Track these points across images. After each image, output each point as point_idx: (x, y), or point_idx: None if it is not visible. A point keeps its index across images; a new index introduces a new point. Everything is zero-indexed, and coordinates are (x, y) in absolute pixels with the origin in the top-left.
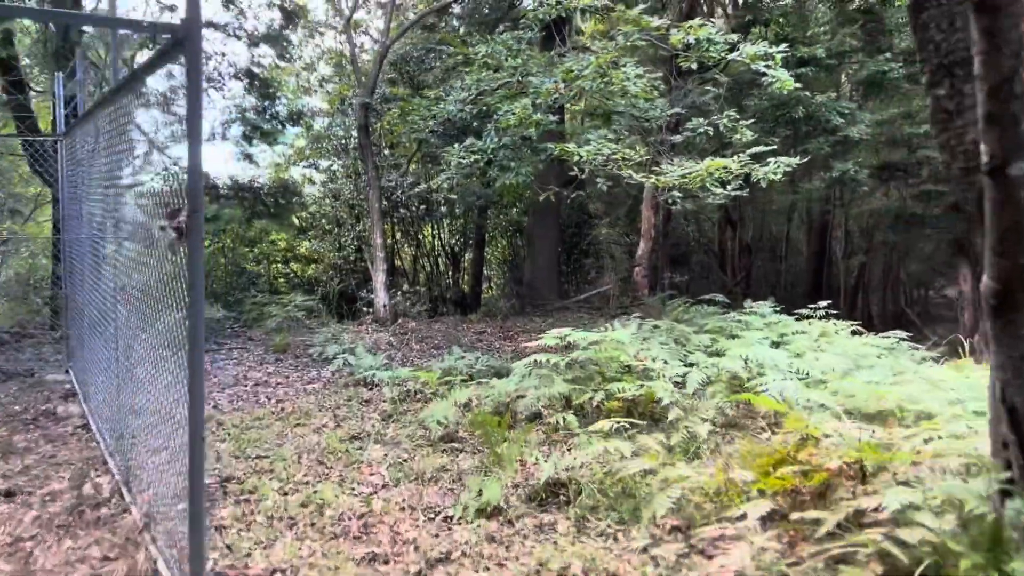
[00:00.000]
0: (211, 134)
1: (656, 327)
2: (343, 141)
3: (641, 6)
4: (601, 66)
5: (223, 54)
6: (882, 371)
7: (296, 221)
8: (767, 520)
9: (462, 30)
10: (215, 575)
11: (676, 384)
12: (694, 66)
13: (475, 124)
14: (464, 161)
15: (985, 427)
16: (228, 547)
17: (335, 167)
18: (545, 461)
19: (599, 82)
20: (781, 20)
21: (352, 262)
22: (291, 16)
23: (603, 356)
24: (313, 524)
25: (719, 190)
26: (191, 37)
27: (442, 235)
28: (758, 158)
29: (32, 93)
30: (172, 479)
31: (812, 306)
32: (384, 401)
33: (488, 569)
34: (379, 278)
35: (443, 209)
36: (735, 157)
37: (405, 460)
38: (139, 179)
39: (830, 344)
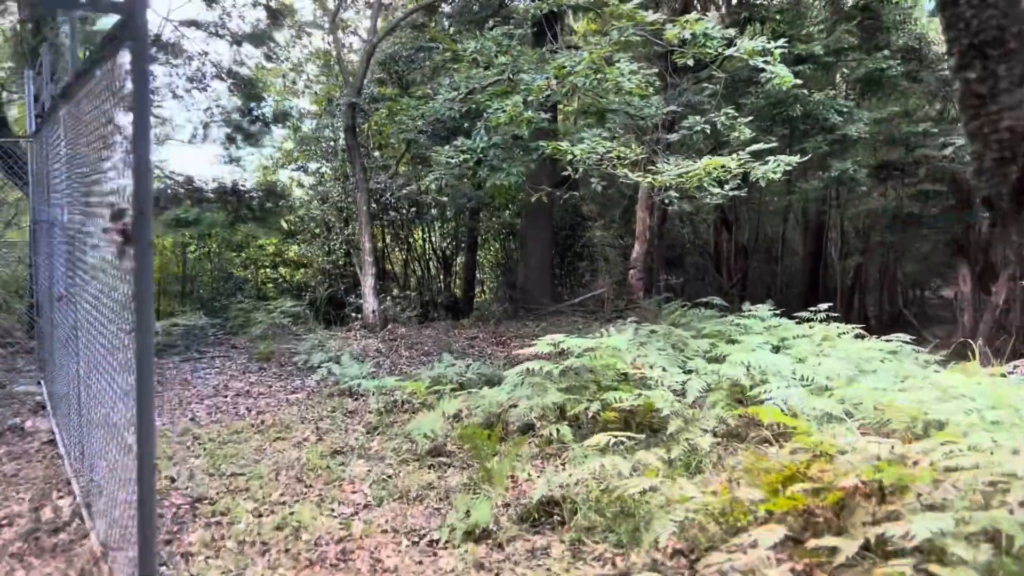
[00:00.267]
0: (192, 135)
1: (653, 332)
2: (331, 143)
3: (635, 1)
4: (594, 62)
5: (205, 53)
6: (887, 376)
7: (284, 225)
8: (779, 545)
9: (452, 29)
10: None
11: (675, 392)
12: (690, 62)
13: (465, 125)
14: (453, 161)
15: (1008, 440)
16: None
17: (324, 169)
18: (538, 477)
19: (592, 79)
20: (778, 17)
21: (341, 266)
22: (276, 15)
23: (599, 363)
24: (287, 550)
25: (716, 190)
26: (135, 15)
27: (433, 238)
28: (758, 156)
29: (6, 94)
30: (125, 507)
31: (812, 309)
32: (369, 412)
33: None
34: (368, 283)
35: (434, 212)
36: (734, 155)
37: (389, 477)
38: (92, 179)
39: (832, 348)
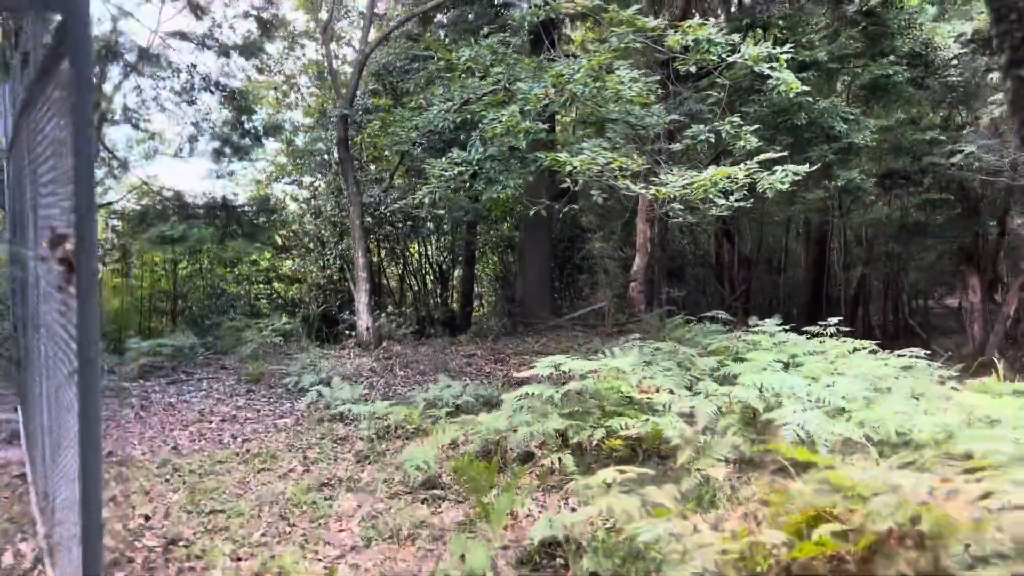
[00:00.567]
0: (179, 148)
1: (658, 349)
2: (325, 156)
3: (635, 7)
4: (594, 69)
5: (194, 66)
6: (903, 394)
7: (278, 240)
8: None
9: (447, 40)
10: None
11: (683, 416)
12: (693, 69)
13: (461, 137)
14: (447, 174)
15: None
16: None
17: (318, 183)
18: (539, 512)
19: (592, 87)
20: (780, 22)
21: (335, 282)
22: (267, 26)
23: (602, 386)
24: None
25: (722, 201)
26: (73, 8)
27: (429, 252)
28: (767, 165)
29: None
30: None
31: (821, 323)
32: (360, 439)
33: None
34: (362, 299)
35: (430, 225)
36: (742, 164)
37: (380, 513)
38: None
39: (845, 365)
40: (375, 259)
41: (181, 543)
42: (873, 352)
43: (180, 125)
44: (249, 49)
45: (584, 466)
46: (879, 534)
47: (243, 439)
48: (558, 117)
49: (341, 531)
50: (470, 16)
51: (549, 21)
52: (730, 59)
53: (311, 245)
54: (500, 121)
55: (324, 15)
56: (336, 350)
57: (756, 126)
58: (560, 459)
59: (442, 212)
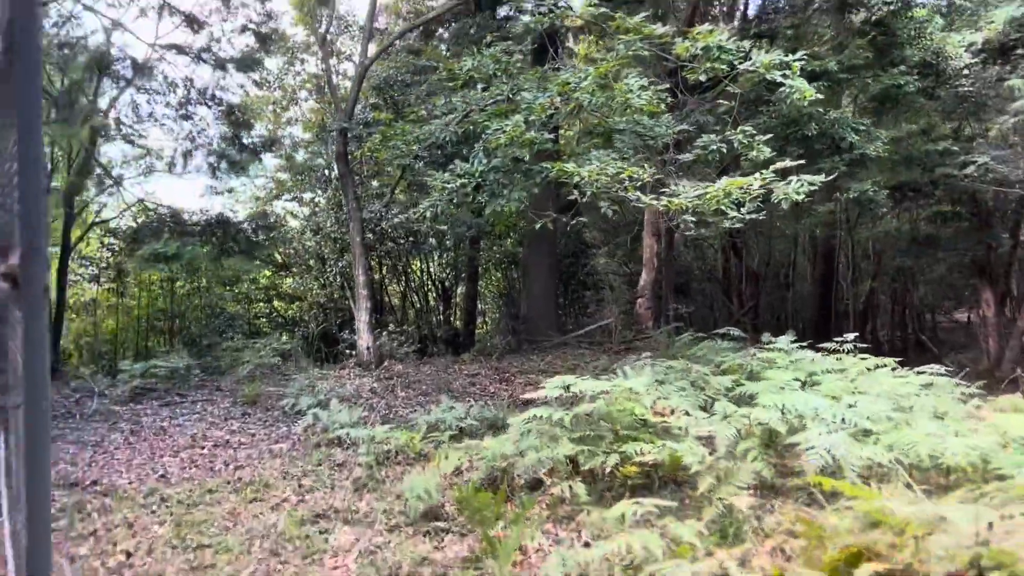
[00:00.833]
0: (171, 163)
1: (670, 368)
2: (325, 171)
3: (643, 14)
4: (601, 76)
5: (191, 79)
6: (927, 414)
7: (278, 257)
8: None
9: (448, 53)
10: None
11: (700, 439)
12: (702, 78)
13: (464, 150)
14: (450, 186)
15: None
16: None
17: (318, 199)
18: (550, 546)
19: (599, 96)
20: (789, 32)
21: (336, 300)
22: (266, 40)
23: (615, 408)
24: None
25: (735, 213)
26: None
27: (432, 269)
28: (783, 175)
29: None
30: None
31: (837, 339)
32: (359, 465)
33: None
34: (362, 318)
35: (432, 241)
36: (758, 174)
37: (378, 548)
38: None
39: (865, 383)
40: (376, 276)
41: None
42: (893, 369)
43: (177, 141)
44: (247, 63)
45: (597, 494)
46: None
47: (236, 466)
48: (561, 130)
49: (336, 568)
50: (472, 30)
51: (554, 31)
52: (741, 67)
53: (311, 262)
54: (504, 132)
55: (322, 27)
56: (336, 370)
57: (768, 137)
58: (571, 487)
59: (444, 227)
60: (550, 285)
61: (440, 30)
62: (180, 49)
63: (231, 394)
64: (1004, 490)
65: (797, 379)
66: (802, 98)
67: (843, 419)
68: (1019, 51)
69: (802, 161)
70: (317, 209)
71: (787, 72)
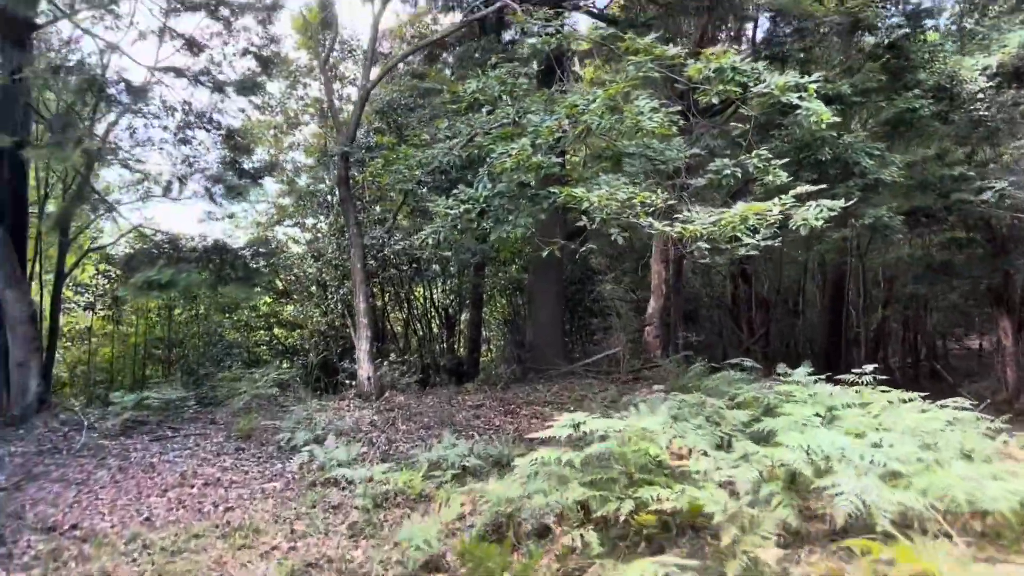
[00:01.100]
0: (167, 187)
1: (684, 402)
2: (326, 196)
3: (653, 35)
4: (611, 98)
5: (188, 103)
6: (954, 451)
7: (279, 284)
8: None
9: (453, 77)
10: None
11: (721, 484)
12: (715, 100)
13: (468, 176)
14: (453, 212)
15: None
16: None
17: (320, 224)
18: None
19: (608, 119)
20: (801, 55)
21: (337, 327)
22: (267, 63)
23: (628, 450)
24: None
25: (749, 240)
26: None
27: (435, 296)
28: (803, 199)
29: None
30: None
31: (856, 370)
32: (355, 508)
33: None
34: (363, 347)
35: (435, 268)
36: (777, 199)
37: None
38: None
39: (889, 418)
40: (378, 303)
41: None
42: (918, 404)
43: (175, 165)
44: (247, 86)
45: (610, 544)
46: None
47: (225, 507)
48: (568, 155)
49: None
50: (477, 53)
51: (561, 53)
52: (755, 89)
53: (312, 289)
54: (509, 155)
55: (324, 48)
56: (335, 401)
57: (785, 160)
58: (583, 536)
59: (448, 254)
60: (556, 312)
61: (444, 54)
62: (179, 72)
63: (225, 427)
64: None
65: (817, 414)
66: (819, 121)
67: (871, 460)
68: None
69: (824, 186)
70: (319, 235)
71: (803, 95)
